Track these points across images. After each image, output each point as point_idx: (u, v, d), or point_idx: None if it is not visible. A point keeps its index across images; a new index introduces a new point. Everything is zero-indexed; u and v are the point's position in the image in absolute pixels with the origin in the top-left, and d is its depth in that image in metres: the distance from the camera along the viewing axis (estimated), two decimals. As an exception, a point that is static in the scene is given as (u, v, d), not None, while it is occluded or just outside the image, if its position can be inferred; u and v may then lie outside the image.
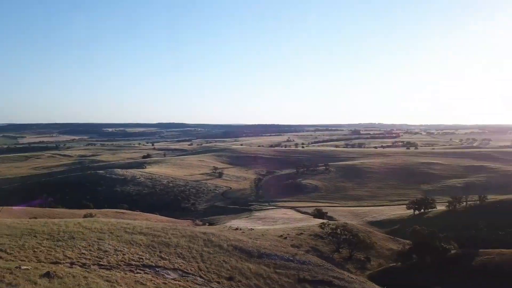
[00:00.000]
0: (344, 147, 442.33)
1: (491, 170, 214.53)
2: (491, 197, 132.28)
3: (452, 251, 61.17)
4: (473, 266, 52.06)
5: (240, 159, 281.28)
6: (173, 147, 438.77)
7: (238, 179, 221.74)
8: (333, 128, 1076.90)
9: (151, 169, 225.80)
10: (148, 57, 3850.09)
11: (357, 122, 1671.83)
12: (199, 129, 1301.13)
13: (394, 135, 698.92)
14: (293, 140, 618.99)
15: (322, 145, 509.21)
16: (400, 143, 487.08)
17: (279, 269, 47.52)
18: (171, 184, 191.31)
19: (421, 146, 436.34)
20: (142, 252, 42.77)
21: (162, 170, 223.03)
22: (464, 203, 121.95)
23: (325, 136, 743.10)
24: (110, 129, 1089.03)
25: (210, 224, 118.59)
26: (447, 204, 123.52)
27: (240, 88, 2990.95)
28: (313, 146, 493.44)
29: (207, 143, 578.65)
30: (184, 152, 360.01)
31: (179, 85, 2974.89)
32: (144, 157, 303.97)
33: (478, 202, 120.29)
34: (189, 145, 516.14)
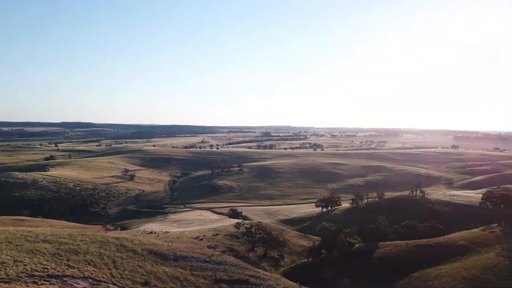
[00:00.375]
0: (256, 149, 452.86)
1: (387, 169, 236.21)
2: (388, 194, 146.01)
3: (356, 245, 66.41)
4: (374, 258, 57.05)
5: (153, 161, 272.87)
6: (79, 148, 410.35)
7: (152, 181, 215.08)
8: (246, 130, 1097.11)
9: (55, 172, 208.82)
10: (51, 50, 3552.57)
11: (268, 125, 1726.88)
12: (108, 129, 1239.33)
13: (302, 137, 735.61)
14: (208, 142, 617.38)
15: (236, 147, 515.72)
16: (308, 145, 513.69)
17: (195, 270, 47.49)
18: (78, 188, 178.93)
19: (326, 148, 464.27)
20: (47, 261, 39.97)
21: (68, 173, 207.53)
22: (365, 200, 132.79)
23: (238, 137, 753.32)
24: (5, 128, 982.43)
25: (123, 228, 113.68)
26: (351, 201, 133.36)
27: (152, 86, 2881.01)
28: (227, 147, 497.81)
29: (117, 144, 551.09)
30: (92, 153, 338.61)
31: (85, 82, 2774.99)
32: (46, 159, 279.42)
33: (377, 199, 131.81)
34: (97, 146, 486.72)
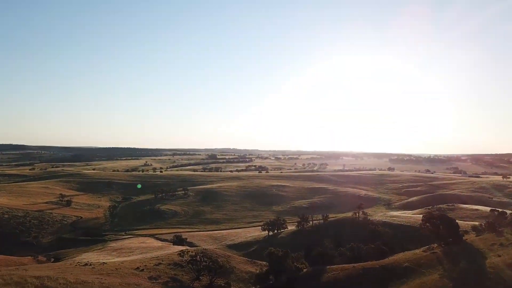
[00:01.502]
0: (202, 171, 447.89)
1: (330, 191, 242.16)
2: (332, 216, 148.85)
3: (304, 270, 65.72)
4: (323, 283, 56.52)
5: (92, 185, 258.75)
6: (10, 172, 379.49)
7: (90, 207, 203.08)
8: (191, 153, 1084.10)
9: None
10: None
11: (213, 147, 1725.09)
12: (43, 152, 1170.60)
13: (247, 159, 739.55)
14: (151, 165, 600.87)
15: (180, 169, 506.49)
16: (253, 167, 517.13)
17: (135, 306, 43.99)
18: (6, 216, 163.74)
19: (271, 170, 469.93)
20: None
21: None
22: (311, 222, 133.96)
23: (183, 160, 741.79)
24: None
25: (56, 259, 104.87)
26: (296, 224, 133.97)
27: (91, 108, 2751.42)
28: (172, 170, 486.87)
29: (53, 167, 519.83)
30: (24, 178, 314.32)
31: (16, 100, 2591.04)
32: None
33: (322, 221, 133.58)
34: (30, 169, 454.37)
